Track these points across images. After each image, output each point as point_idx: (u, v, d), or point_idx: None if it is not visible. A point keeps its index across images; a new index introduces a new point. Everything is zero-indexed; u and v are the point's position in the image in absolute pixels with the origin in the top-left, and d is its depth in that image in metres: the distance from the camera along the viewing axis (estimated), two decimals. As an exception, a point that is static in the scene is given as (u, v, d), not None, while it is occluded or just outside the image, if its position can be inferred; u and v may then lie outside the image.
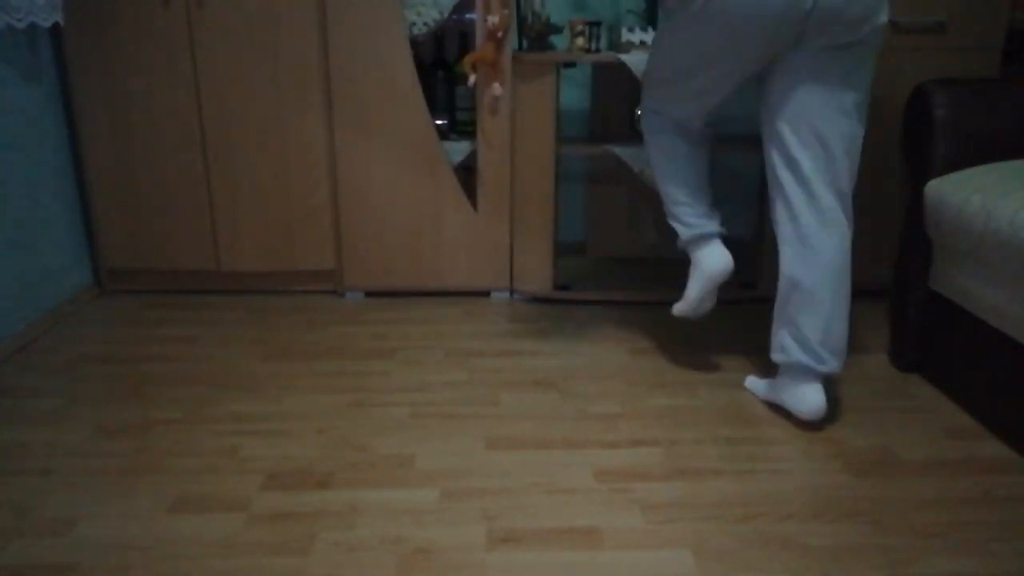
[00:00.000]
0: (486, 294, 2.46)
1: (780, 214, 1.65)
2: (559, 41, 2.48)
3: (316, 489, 1.44)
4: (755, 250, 2.46)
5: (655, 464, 1.53)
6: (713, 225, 1.81)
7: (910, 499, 1.42)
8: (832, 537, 1.31)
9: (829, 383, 1.74)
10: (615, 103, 2.51)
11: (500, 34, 2.16)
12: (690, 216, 1.82)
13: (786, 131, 1.60)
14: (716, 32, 1.53)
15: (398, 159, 2.29)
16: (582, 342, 2.12)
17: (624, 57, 2.15)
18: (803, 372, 1.65)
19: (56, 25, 2.20)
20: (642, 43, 2.21)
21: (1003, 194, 1.57)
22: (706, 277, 1.81)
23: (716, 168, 2.81)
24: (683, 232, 1.83)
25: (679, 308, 1.89)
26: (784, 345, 1.67)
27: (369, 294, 2.45)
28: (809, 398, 1.63)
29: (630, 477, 1.48)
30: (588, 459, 1.55)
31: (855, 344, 2.10)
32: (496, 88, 2.20)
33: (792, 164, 1.60)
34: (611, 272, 2.55)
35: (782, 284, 1.66)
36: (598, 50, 2.24)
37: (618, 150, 2.28)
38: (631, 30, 2.21)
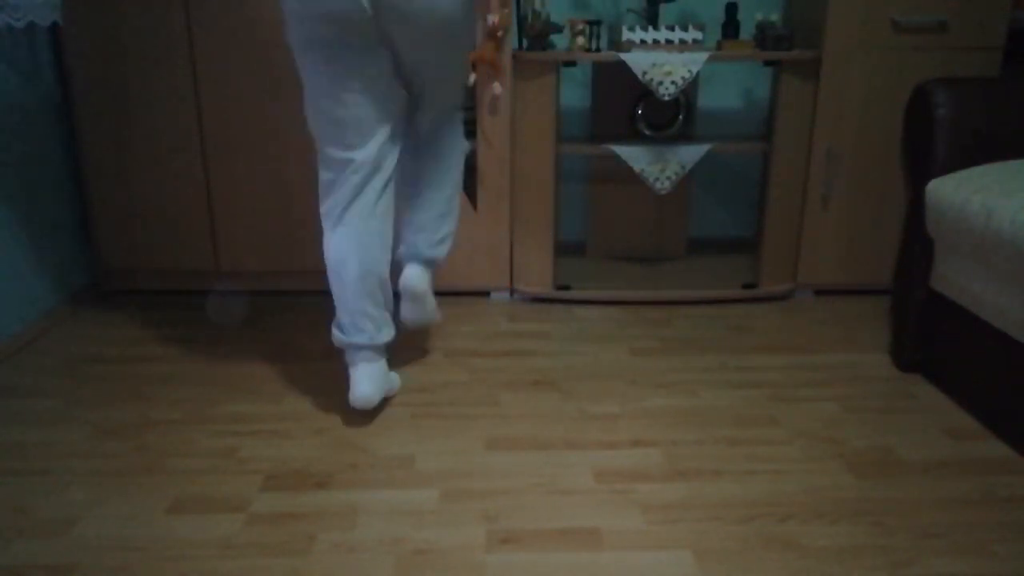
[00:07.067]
0: (486, 294, 2.46)
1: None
2: (559, 40, 2.48)
3: (315, 490, 1.44)
4: (755, 250, 2.46)
5: (655, 465, 1.53)
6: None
7: (911, 499, 1.41)
8: (833, 538, 1.31)
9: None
10: (615, 103, 2.50)
11: (500, 33, 2.15)
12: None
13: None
14: (304, 32, 1.52)
15: (398, 159, 2.29)
16: (582, 342, 2.12)
17: (625, 56, 2.15)
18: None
19: (55, 24, 2.20)
20: (643, 42, 2.21)
21: (1004, 194, 1.57)
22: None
23: (716, 168, 2.82)
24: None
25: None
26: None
27: (369, 294, 2.44)
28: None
29: (630, 478, 1.48)
30: (588, 459, 1.54)
31: (856, 344, 2.09)
32: (496, 87, 2.20)
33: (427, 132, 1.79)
34: (611, 272, 2.55)
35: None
36: (598, 49, 2.24)
37: (618, 150, 2.28)
38: (632, 29, 2.21)
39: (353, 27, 1.48)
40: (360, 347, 1.65)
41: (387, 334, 1.68)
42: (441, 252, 1.84)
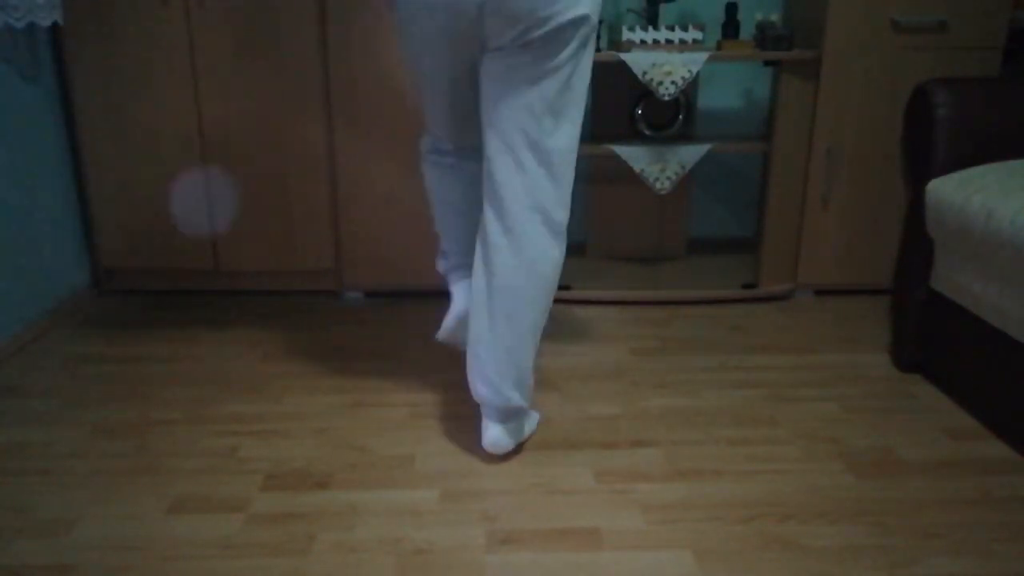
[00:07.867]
0: (486, 294, 2.46)
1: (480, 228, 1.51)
2: (559, 40, 2.48)
3: (315, 490, 1.44)
4: (755, 250, 2.46)
5: (655, 465, 1.53)
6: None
7: (911, 499, 1.41)
8: (833, 538, 1.31)
9: (515, 419, 1.55)
10: (615, 103, 2.50)
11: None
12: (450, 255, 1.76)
13: (487, 141, 1.46)
14: (408, 26, 1.43)
15: (398, 159, 2.29)
16: (582, 342, 2.12)
17: (625, 56, 2.15)
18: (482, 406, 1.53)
19: (55, 24, 2.20)
20: (643, 42, 2.21)
21: (1004, 194, 1.57)
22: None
23: (716, 168, 2.82)
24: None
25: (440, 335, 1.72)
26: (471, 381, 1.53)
27: (369, 294, 2.44)
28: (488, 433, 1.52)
29: (630, 478, 1.48)
30: (588, 459, 1.54)
31: (856, 344, 2.09)
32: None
33: (489, 175, 1.46)
34: (611, 272, 2.55)
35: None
36: (599, 49, 2.23)
37: (618, 150, 2.28)
38: (632, 29, 2.21)
39: (456, 21, 1.36)
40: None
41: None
42: (515, 397, 1.49)
